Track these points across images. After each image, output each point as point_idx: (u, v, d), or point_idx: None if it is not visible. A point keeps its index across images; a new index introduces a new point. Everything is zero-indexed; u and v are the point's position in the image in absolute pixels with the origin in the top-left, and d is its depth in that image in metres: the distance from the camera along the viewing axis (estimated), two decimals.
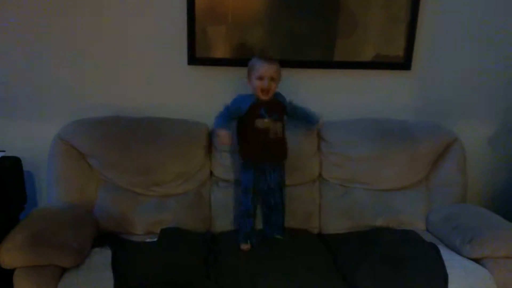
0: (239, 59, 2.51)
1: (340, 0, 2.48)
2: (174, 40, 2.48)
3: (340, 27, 2.54)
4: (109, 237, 2.21)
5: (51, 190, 2.32)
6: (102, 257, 2.01)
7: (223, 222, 2.40)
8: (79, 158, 2.33)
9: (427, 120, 2.69)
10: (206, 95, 2.58)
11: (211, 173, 2.47)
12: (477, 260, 2.09)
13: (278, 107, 2.23)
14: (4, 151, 2.24)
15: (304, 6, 2.49)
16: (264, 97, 2.14)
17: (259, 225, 2.34)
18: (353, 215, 2.44)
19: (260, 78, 2.12)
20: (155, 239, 2.19)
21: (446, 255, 2.10)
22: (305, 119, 2.39)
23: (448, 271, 1.98)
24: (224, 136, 2.11)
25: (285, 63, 2.51)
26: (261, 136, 2.17)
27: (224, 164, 2.42)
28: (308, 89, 2.61)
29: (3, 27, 2.37)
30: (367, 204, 2.46)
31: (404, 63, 2.64)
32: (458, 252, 2.14)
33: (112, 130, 2.35)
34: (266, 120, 2.16)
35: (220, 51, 2.52)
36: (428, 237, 2.34)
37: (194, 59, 2.50)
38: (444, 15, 2.60)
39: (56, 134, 2.34)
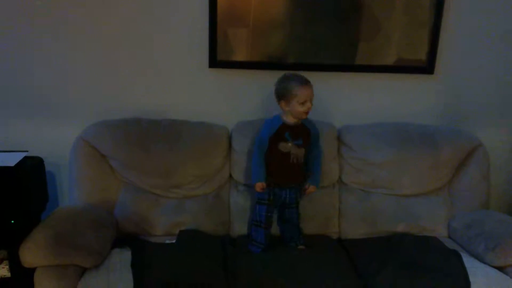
0: (260, 62, 2.52)
1: (362, 3, 2.47)
2: (195, 43, 2.49)
3: (362, 31, 2.52)
4: (129, 238, 2.23)
5: (73, 191, 2.34)
6: (122, 257, 2.02)
7: (242, 226, 2.39)
8: (100, 159, 2.35)
9: (450, 125, 2.65)
10: (227, 98, 2.59)
11: (231, 176, 2.47)
12: (500, 268, 2.05)
13: (304, 133, 2.20)
14: (27, 151, 2.26)
15: (325, 10, 2.47)
16: (303, 117, 2.12)
17: (275, 231, 2.33)
18: (373, 220, 2.41)
19: (303, 103, 2.08)
20: (174, 241, 2.20)
21: (469, 262, 2.07)
22: (312, 166, 2.28)
23: (471, 279, 1.95)
24: (259, 187, 2.17)
25: (306, 67, 2.50)
26: (282, 159, 2.17)
27: (244, 168, 2.41)
28: (329, 92, 2.59)
29: (24, 29, 2.40)
30: (387, 210, 2.43)
31: (427, 67, 2.60)
32: (481, 260, 2.11)
33: (132, 132, 2.37)
34: (289, 144, 2.15)
35: (241, 55, 2.52)
36: (450, 244, 2.30)
37: (215, 62, 2.50)
38: (468, 18, 2.56)
39: (78, 135, 2.36)
